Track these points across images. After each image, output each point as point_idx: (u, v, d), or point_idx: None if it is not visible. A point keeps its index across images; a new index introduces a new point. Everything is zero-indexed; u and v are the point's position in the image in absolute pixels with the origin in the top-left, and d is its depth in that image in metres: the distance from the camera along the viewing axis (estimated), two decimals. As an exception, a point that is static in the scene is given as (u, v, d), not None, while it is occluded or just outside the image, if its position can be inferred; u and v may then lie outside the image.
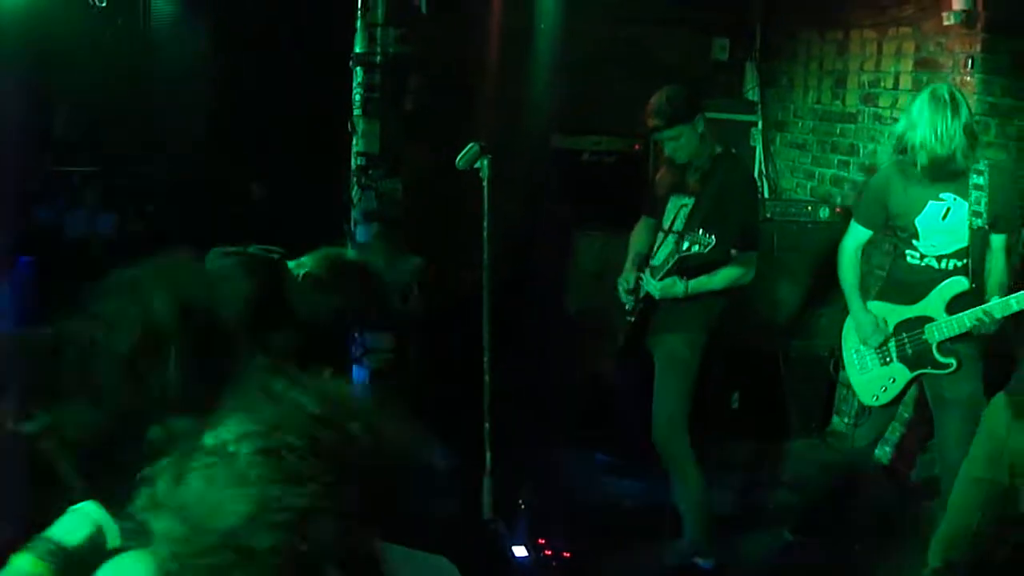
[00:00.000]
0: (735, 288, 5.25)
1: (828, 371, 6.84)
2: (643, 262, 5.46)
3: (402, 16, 6.68)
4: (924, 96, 4.82)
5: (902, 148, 4.89)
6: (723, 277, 5.18)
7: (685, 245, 4.89)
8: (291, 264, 3.75)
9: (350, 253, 3.56)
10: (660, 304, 5.23)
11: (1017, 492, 3.94)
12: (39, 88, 6.16)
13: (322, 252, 3.76)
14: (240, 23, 6.52)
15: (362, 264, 3.74)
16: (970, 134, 4.75)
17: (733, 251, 5.10)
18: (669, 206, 5.38)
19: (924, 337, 5.04)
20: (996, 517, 4.02)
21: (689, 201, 5.26)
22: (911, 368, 5.16)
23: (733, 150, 5.79)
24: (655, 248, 5.42)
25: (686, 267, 5.07)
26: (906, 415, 6.42)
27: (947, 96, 4.77)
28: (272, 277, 3.61)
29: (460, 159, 4.26)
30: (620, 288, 5.47)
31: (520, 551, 4.66)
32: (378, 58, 6.63)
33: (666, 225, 5.37)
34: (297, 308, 3.25)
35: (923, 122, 4.73)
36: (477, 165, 4.24)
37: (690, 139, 5.15)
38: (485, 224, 4.17)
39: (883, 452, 6.57)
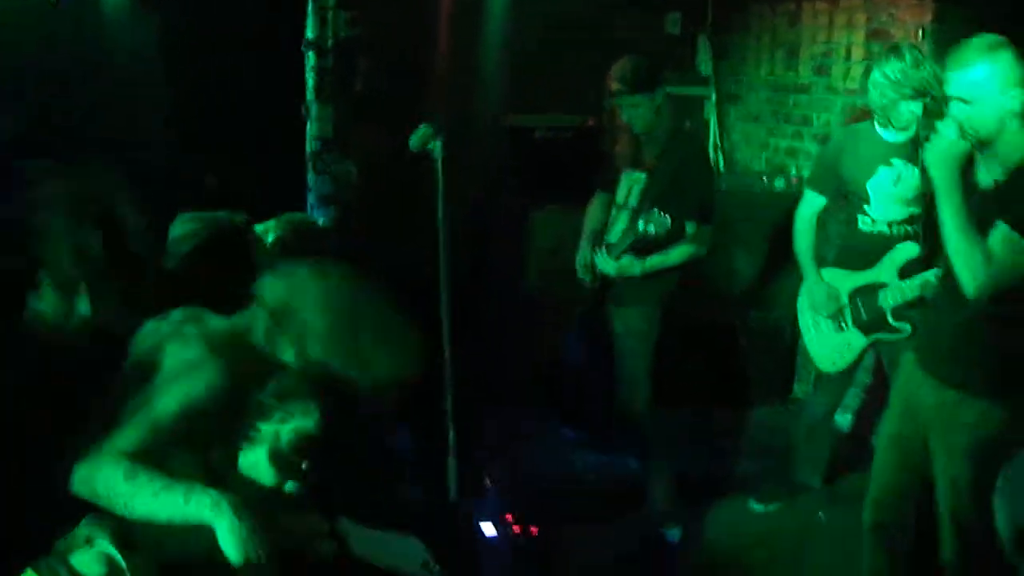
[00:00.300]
0: (691, 261, 5.28)
1: (787, 339, 6.92)
2: (598, 238, 5.47)
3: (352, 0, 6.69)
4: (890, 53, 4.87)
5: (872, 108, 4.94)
6: (679, 254, 5.20)
7: (641, 226, 4.90)
8: (257, 228, 3.78)
9: (308, 218, 3.58)
10: (616, 279, 5.25)
11: (930, 448, 3.98)
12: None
13: (286, 217, 3.78)
14: (192, 11, 6.47)
15: (324, 228, 3.79)
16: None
17: (688, 226, 5.12)
18: (622, 181, 5.39)
19: (878, 303, 5.10)
20: (919, 475, 4.05)
21: (642, 176, 5.27)
22: (866, 333, 5.21)
23: (688, 126, 5.80)
24: (609, 224, 5.44)
25: (642, 246, 5.09)
26: (866, 381, 6.47)
27: (908, 50, 4.85)
28: (237, 239, 3.65)
29: (412, 140, 4.24)
30: (577, 264, 5.49)
31: (488, 528, 4.67)
32: (329, 42, 6.63)
33: (620, 201, 5.39)
34: (263, 269, 3.27)
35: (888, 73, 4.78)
36: (430, 146, 4.23)
37: (649, 109, 5.16)
38: (439, 204, 4.16)
39: (844, 419, 6.63)
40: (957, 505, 3.90)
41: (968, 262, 3.56)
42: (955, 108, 3.64)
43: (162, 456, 2.67)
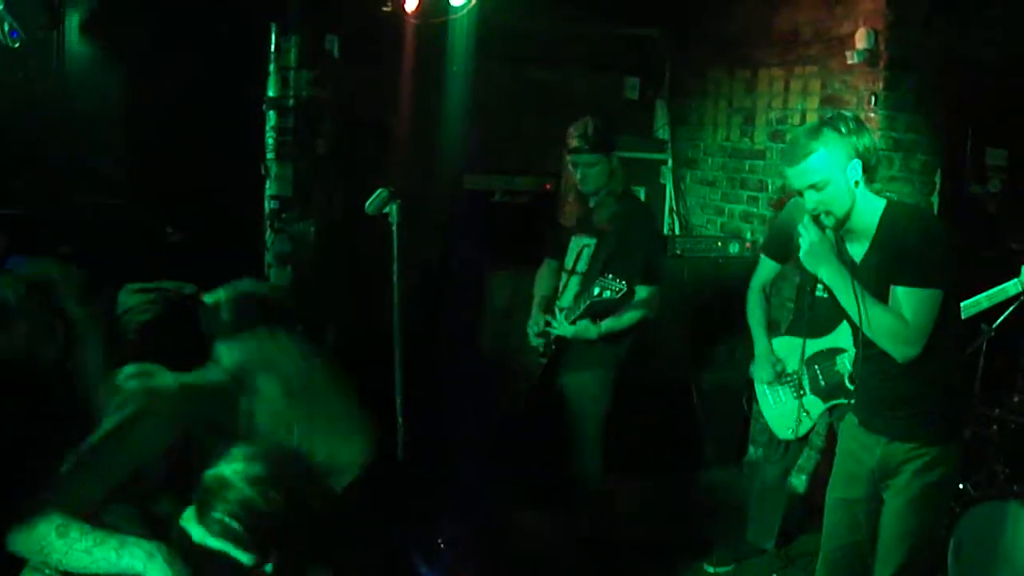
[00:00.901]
0: (645, 324, 5.32)
1: (742, 403, 6.95)
2: (549, 304, 5.51)
3: (315, 60, 6.72)
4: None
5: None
6: (630, 317, 5.25)
7: (596, 291, 4.93)
8: (207, 298, 3.79)
9: (261, 287, 3.58)
10: (570, 344, 5.28)
11: (884, 503, 4.02)
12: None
13: (235, 285, 3.80)
14: (155, 65, 6.49)
15: (273, 297, 3.78)
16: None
17: (638, 289, 5.17)
18: (571, 246, 5.44)
19: (836, 368, 5.13)
20: (866, 537, 4.09)
21: (591, 241, 5.32)
22: (824, 399, 5.24)
23: (632, 189, 5.86)
24: (560, 289, 5.48)
25: (596, 310, 5.13)
26: (819, 443, 6.51)
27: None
28: (187, 311, 3.65)
29: (369, 204, 4.28)
30: (529, 331, 5.51)
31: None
32: (291, 101, 6.67)
33: (568, 266, 5.44)
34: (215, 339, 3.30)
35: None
36: (386, 210, 4.28)
37: (603, 171, 5.23)
38: (394, 268, 4.21)
39: (799, 480, 6.66)
40: (903, 560, 3.95)
41: (889, 335, 3.69)
42: (809, 198, 3.75)
43: (100, 509, 2.68)
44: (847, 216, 3.75)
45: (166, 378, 2.99)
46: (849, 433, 4.17)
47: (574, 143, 5.25)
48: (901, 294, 3.67)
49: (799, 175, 3.75)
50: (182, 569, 2.65)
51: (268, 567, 2.78)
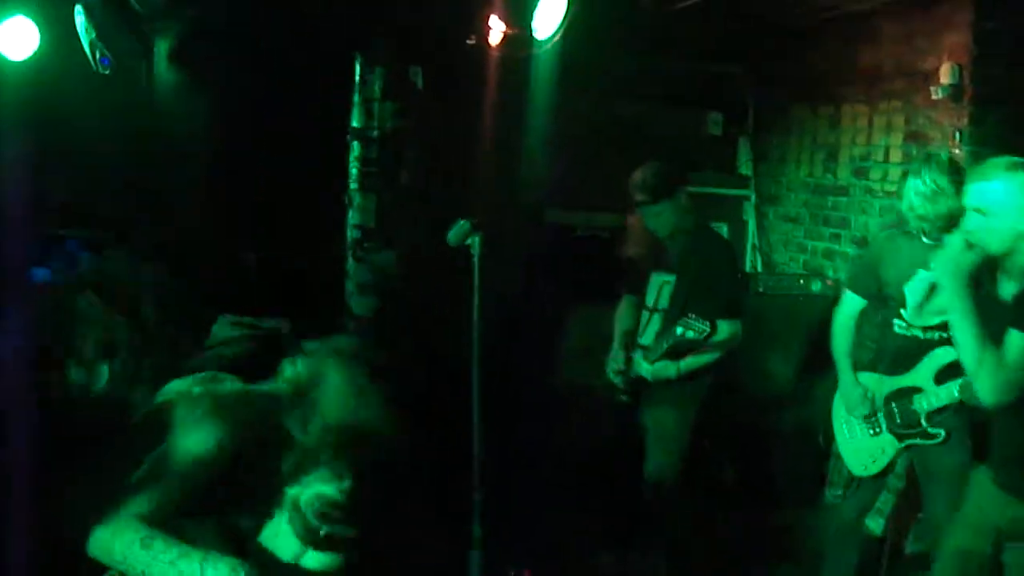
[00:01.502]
0: (726, 362, 5.28)
1: (820, 443, 6.87)
2: (630, 340, 5.49)
3: (399, 92, 6.78)
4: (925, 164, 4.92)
5: (905, 217, 4.96)
6: (712, 355, 5.21)
7: (679, 331, 4.91)
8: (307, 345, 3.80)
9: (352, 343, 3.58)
10: (651, 382, 5.26)
11: (999, 564, 3.94)
12: (39, 152, 6.22)
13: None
14: (242, 94, 6.59)
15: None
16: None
17: (720, 324, 5.13)
18: (651, 284, 5.42)
19: (913, 407, 5.07)
20: None
21: (671, 278, 5.30)
22: (900, 438, 5.18)
23: (710, 224, 5.83)
24: (642, 327, 5.46)
25: (679, 349, 5.10)
26: (899, 485, 6.42)
27: (947, 161, 4.90)
28: (275, 348, 3.69)
29: (451, 235, 4.29)
30: (609, 368, 5.49)
31: (512, 624, 4.65)
32: (375, 132, 6.74)
33: (650, 303, 5.41)
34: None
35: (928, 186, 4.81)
36: (468, 241, 4.28)
37: (672, 214, 5.21)
38: (476, 300, 4.21)
39: (876, 523, 6.56)
40: None
41: (980, 369, 3.62)
42: (970, 218, 3.70)
43: (180, 522, 2.71)
44: (1002, 255, 3.72)
45: (234, 385, 3.03)
46: (981, 486, 4.10)
47: (637, 196, 5.24)
48: (1015, 339, 3.59)
49: (973, 192, 3.75)
50: None
51: None
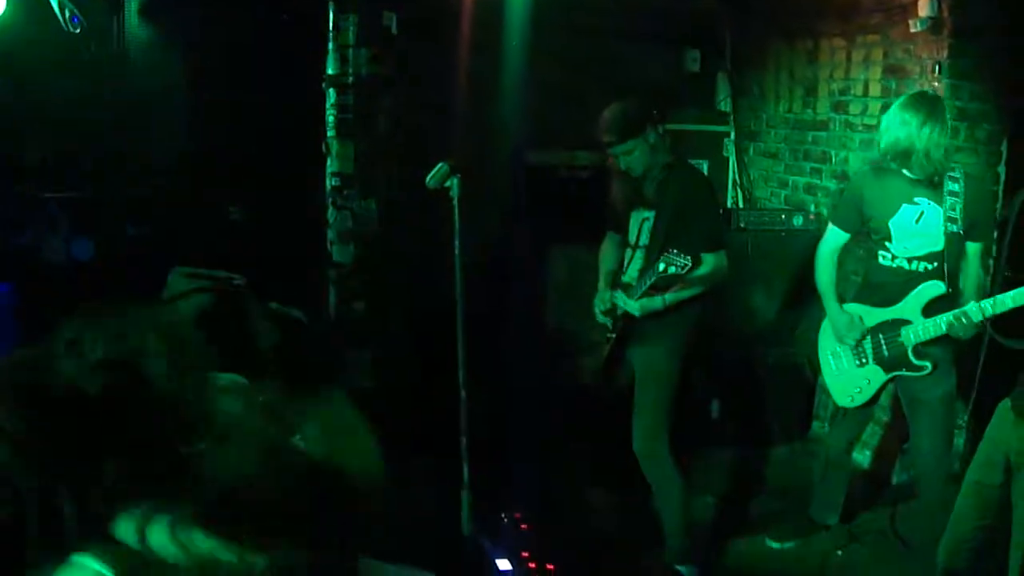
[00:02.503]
0: (711, 294, 5.27)
1: (806, 377, 6.91)
2: (615, 279, 5.48)
3: (374, 37, 6.72)
4: (908, 100, 4.91)
5: (886, 153, 4.95)
6: (697, 288, 5.18)
7: (661, 266, 4.89)
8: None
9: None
10: (637, 319, 5.25)
11: (1013, 496, 3.96)
12: (13, 114, 6.17)
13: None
14: (214, 46, 6.53)
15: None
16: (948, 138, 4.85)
17: (704, 257, 5.12)
18: (632, 221, 5.40)
19: (900, 339, 5.10)
20: (997, 525, 4.03)
21: (650, 215, 5.28)
22: (886, 370, 5.21)
23: (693, 158, 5.81)
24: (625, 264, 5.44)
25: (663, 284, 5.09)
26: (884, 418, 6.47)
27: (930, 99, 4.89)
28: (235, 304, 3.64)
29: (430, 178, 4.28)
30: (596, 308, 5.49)
31: (504, 565, 4.68)
32: (350, 79, 6.68)
33: (632, 240, 5.39)
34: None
35: (908, 124, 4.80)
36: (447, 184, 4.27)
37: (643, 152, 5.17)
38: (456, 243, 4.20)
39: (863, 456, 6.62)
40: None
41: None
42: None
43: None
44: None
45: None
46: (1000, 417, 4.12)
47: (605, 137, 5.20)
48: None
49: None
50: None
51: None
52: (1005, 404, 4.12)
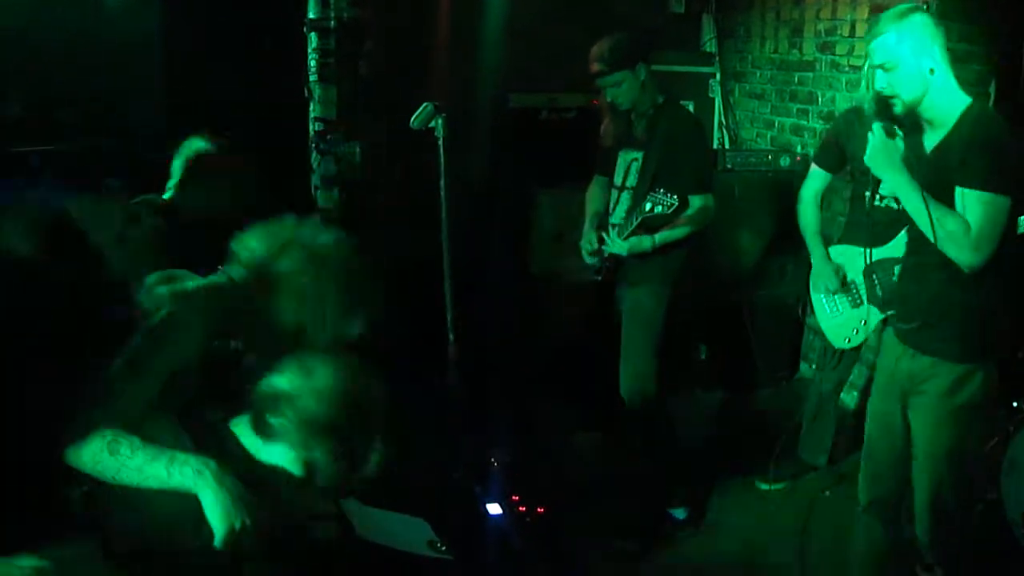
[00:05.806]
0: (698, 236, 5.24)
1: (794, 318, 6.90)
2: (602, 221, 5.45)
3: (354, -21, 6.66)
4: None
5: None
6: (685, 228, 5.16)
7: (648, 206, 4.88)
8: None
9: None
10: (625, 260, 5.23)
11: (910, 420, 3.96)
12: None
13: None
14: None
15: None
16: None
17: (692, 198, 5.09)
18: (619, 162, 5.37)
19: (894, 278, 5.07)
20: (904, 449, 4.03)
21: (638, 155, 5.25)
22: (882, 309, 5.19)
23: (679, 100, 5.75)
24: (612, 205, 5.42)
25: (649, 224, 5.07)
26: (871, 359, 6.45)
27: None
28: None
29: (414, 119, 4.25)
30: (583, 250, 5.46)
31: (494, 509, 4.67)
32: (332, 23, 6.61)
33: (618, 182, 5.37)
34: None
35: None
36: (432, 124, 4.24)
37: (632, 86, 5.14)
38: (442, 183, 4.17)
39: (851, 396, 6.60)
40: (934, 477, 3.90)
41: (948, 241, 3.58)
42: (878, 78, 3.66)
43: (146, 420, 2.67)
44: (916, 103, 3.66)
45: (189, 282, 2.98)
46: (887, 344, 4.12)
47: (595, 67, 5.17)
48: (968, 197, 3.56)
49: (873, 51, 3.67)
50: (232, 485, 2.63)
51: (320, 478, 2.76)
52: (890, 331, 4.11)
